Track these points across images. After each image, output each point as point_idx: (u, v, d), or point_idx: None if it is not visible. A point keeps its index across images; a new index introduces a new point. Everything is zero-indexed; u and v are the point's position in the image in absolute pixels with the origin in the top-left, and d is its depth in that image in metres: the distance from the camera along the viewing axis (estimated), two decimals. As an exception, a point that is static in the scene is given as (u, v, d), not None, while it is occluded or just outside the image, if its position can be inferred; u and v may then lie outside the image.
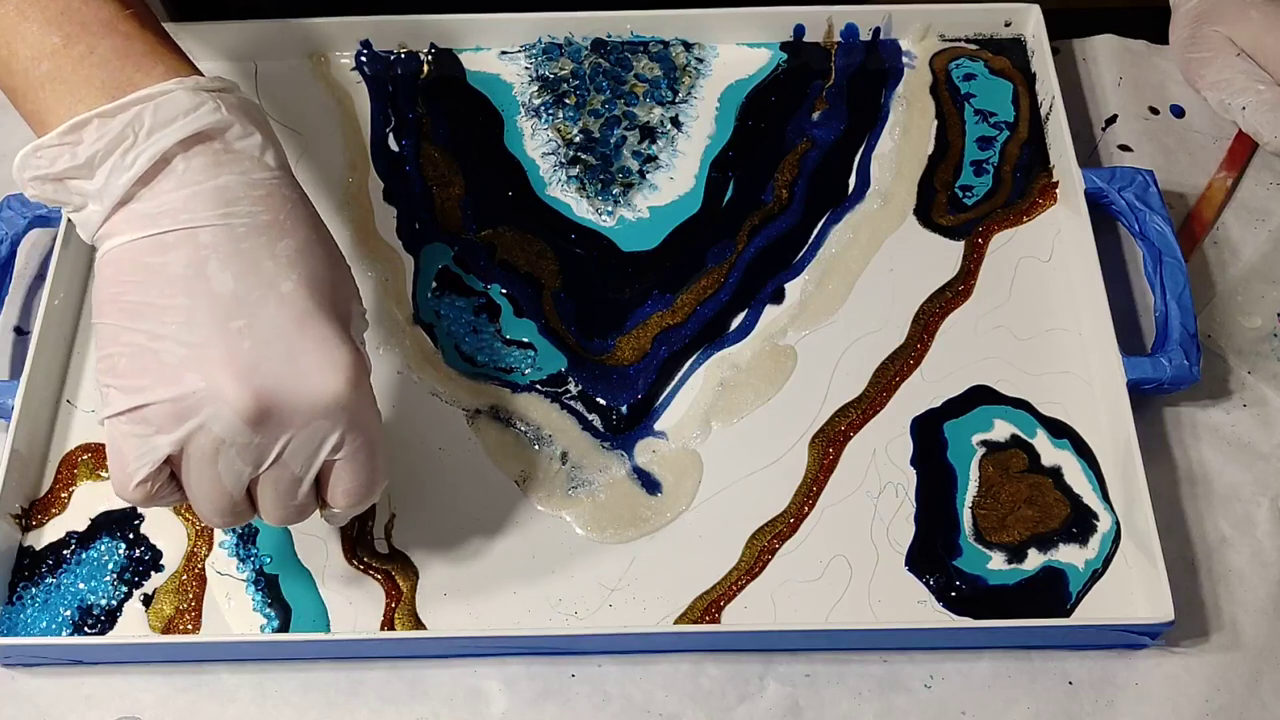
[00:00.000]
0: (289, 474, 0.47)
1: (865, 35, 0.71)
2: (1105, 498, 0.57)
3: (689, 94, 0.69)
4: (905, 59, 0.70)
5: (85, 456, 0.59)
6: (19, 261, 0.63)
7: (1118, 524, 0.56)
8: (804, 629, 0.54)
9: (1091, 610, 0.55)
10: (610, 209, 0.66)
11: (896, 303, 0.63)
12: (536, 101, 0.69)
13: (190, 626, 0.55)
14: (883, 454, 0.58)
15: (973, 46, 0.71)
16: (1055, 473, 0.58)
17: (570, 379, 0.61)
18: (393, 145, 0.68)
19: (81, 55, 0.47)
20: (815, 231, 0.65)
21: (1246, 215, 0.66)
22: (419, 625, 0.55)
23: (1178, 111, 0.70)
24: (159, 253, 0.45)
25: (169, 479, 0.46)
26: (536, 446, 0.59)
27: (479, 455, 0.59)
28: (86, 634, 0.54)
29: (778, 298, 0.63)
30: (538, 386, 0.60)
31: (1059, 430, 0.59)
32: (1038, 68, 0.69)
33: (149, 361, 0.44)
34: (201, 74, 0.49)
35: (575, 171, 0.67)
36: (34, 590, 0.55)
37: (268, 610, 0.55)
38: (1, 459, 0.56)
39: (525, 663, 0.54)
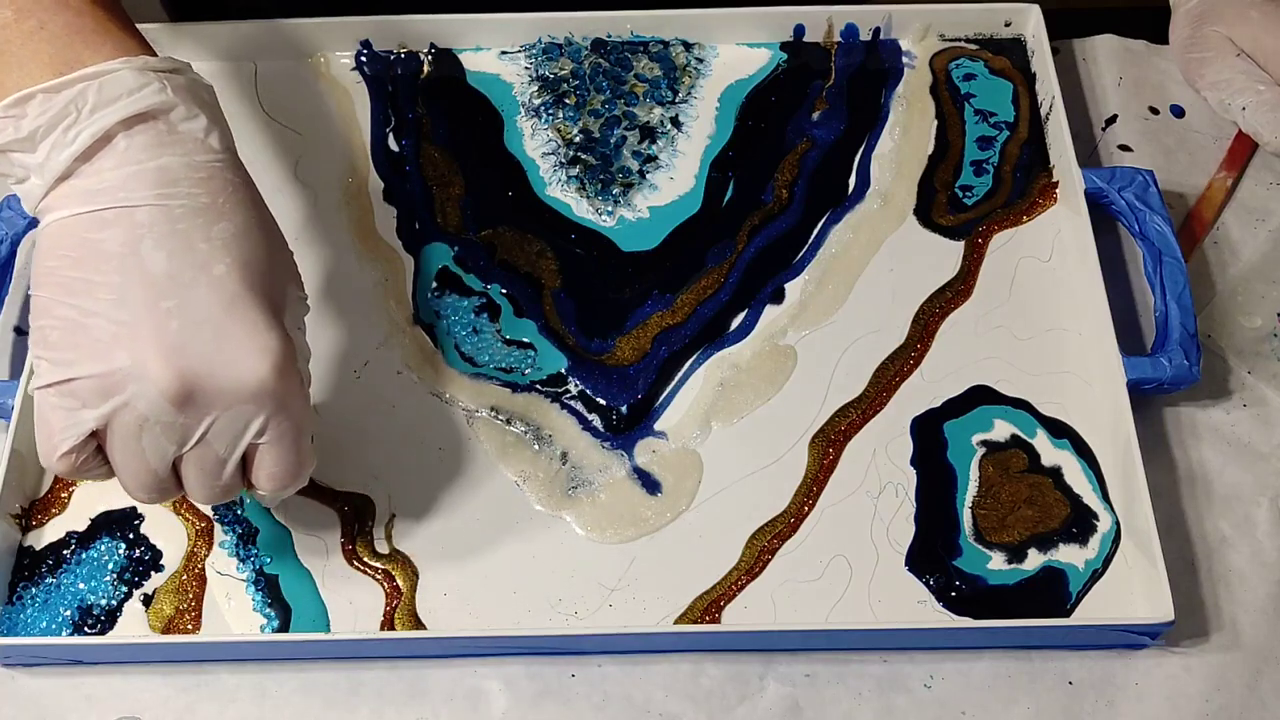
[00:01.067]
0: (213, 454, 0.47)
1: (865, 35, 0.71)
2: (1105, 498, 0.57)
3: (689, 94, 0.69)
4: (905, 59, 0.70)
5: (85, 456, 0.59)
6: (19, 261, 0.63)
7: (1118, 524, 0.56)
8: (804, 629, 0.54)
9: (1091, 610, 0.55)
10: (610, 209, 0.66)
11: (896, 303, 0.63)
12: (536, 101, 0.69)
13: (190, 626, 0.55)
14: (883, 454, 0.58)
15: (973, 46, 0.71)
16: (1055, 473, 0.58)
17: (570, 379, 0.61)
18: (393, 145, 0.68)
19: (31, 30, 0.47)
20: (815, 231, 0.65)
21: (1246, 215, 0.66)
22: (419, 625, 0.55)
23: (1178, 111, 0.70)
24: (96, 229, 0.46)
25: (95, 452, 0.47)
26: (536, 446, 0.59)
27: (479, 455, 0.59)
28: (86, 634, 0.54)
29: (778, 298, 0.63)
30: (538, 386, 0.60)
31: (1059, 430, 0.59)
32: (1038, 68, 0.69)
33: (80, 336, 0.45)
34: (154, 54, 0.49)
35: (575, 171, 0.67)
36: (34, 590, 0.55)
37: (268, 610, 0.55)
38: (1, 459, 0.56)
39: (525, 663, 0.54)
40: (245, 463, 0.49)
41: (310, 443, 0.50)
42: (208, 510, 0.57)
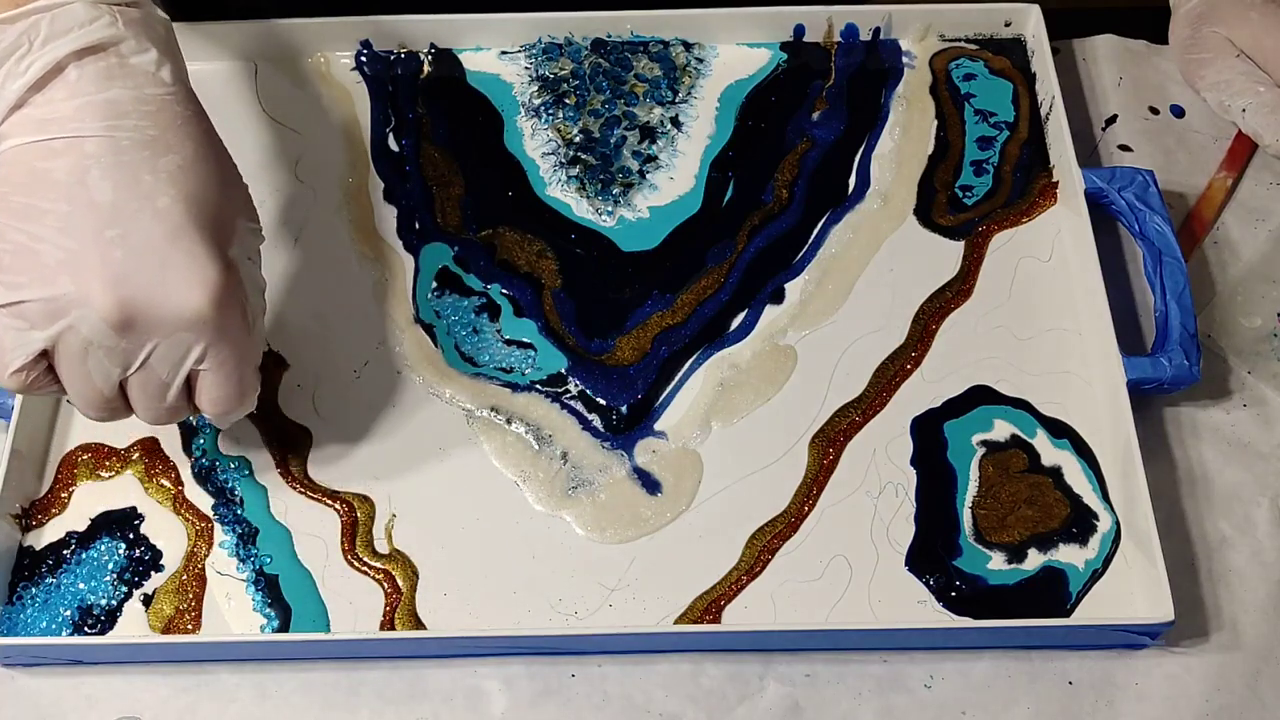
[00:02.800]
0: (156, 378, 0.49)
1: (865, 35, 0.71)
2: (1105, 498, 0.57)
3: (689, 94, 0.69)
4: (905, 59, 0.70)
5: (85, 456, 0.59)
6: (19, 261, 0.63)
7: (1118, 524, 0.56)
8: (804, 629, 0.54)
9: (1091, 610, 0.55)
10: (610, 209, 0.66)
11: (896, 303, 0.63)
12: (536, 101, 0.69)
13: (190, 626, 0.55)
14: (883, 454, 0.58)
15: (973, 46, 0.71)
16: (1055, 473, 0.58)
17: (570, 379, 0.61)
18: (393, 145, 0.68)
19: None
20: (815, 231, 0.65)
21: (1246, 215, 0.66)
22: (419, 625, 0.55)
23: (1178, 111, 0.70)
24: (46, 158, 0.47)
25: (46, 371, 0.49)
26: (536, 446, 0.59)
27: (479, 455, 0.59)
28: (86, 634, 0.54)
29: (778, 298, 0.63)
30: (538, 386, 0.60)
31: (1059, 430, 0.59)
32: (1038, 68, 0.69)
33: (29, 260, 0.47)
34: None
35: (575, 171, 0.67)
36: (34, 590, 0.55)
37: (268, 610, 0.55)
38: (1, 459, 0.56)
39: (525, 663, 0.54)
40: (190, 388, 0.51)
41: (254, 371, 0.52)
42: (208, 510, 0.57)
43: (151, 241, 0.47)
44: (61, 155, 0.47)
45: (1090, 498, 0.57)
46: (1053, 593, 0.55)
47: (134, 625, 0.55)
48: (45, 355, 0.48)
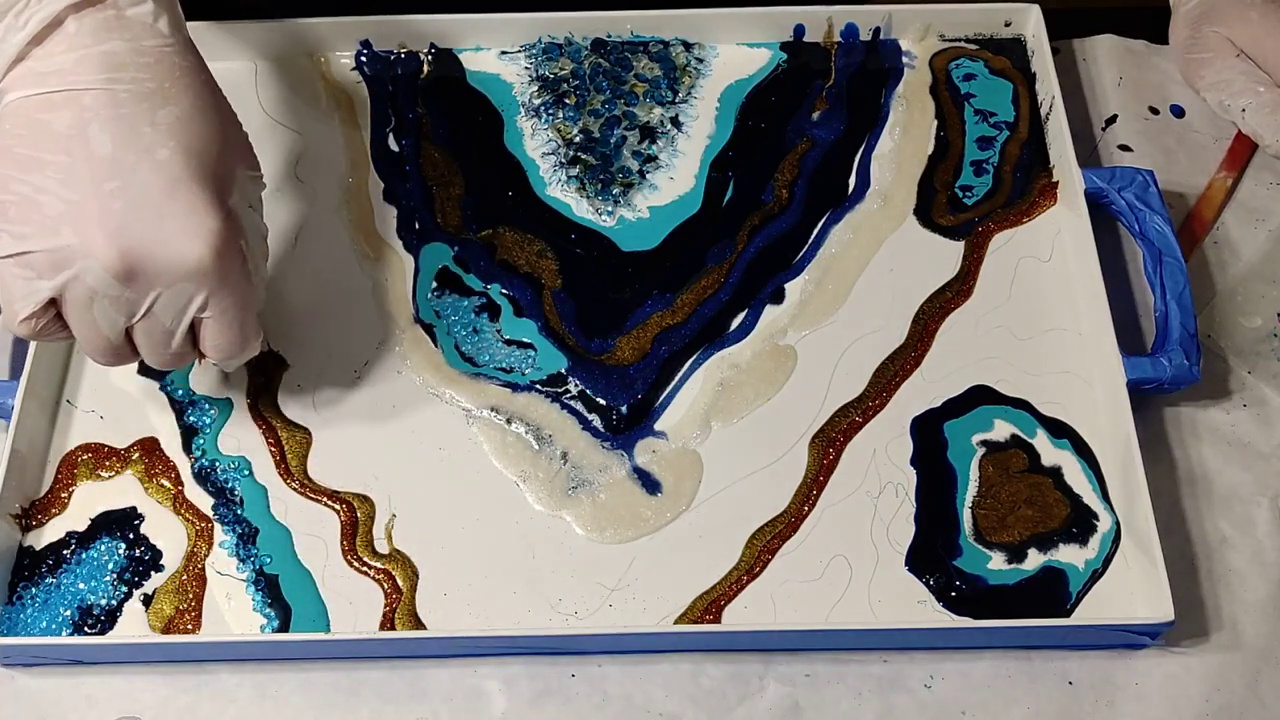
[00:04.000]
0: (160, 326, 0.51)
1: (865, 35, 0.71)
2: (1105, 498, 0.57)
3: (689, 94, 0.69)
4: (905, 59, 0.70)
5: (85, 456, 0.59)
6: (19, 261, 0.63)
7: (1118, 524, 0.56)
8: (804, 629, 0.54)
9: (1091, 610, 0.55)
10: (610, 209, 0.66)
11: (896, 303, 0.63)
12: (536, 101, 0.69)
13: (190, 626, 0.55)
14: (883, 454, 0.58)
15: (973, 46, 0.71)
16: (1055, 473, 0.58)
17: (570, 379, 0.61)
18: (393, 145, 0.68)
19: None
20: (815, 231, 0.65)
21: (1246, 215, 0.66)
22: (419, 625, 0.55)
23: (1178, 111, 0.70)
24: (46, 110, 0.48)
25: (55, 319, 0.50)
26: (536, 446, 0.59)
27: (479, 455, 0.59)
28: (86, 634, 0.54)
29: (778, 298, 0.63)
30: (538, 386, 0.60)
31: (1059, 430, 0.59)
32: (1038, 68, 0.69)
33: (33, 211, 0.48)
34: None
35: (575, 171, 0.67)
36: (34, 590, 0.55)
37: (268, 610, 0.55)
38: (1, 459, 0.56)
39: (525, 663, 0.54)
40: (194, 334, 0.52)
41: (254, 318, 0.53)
42: (208, 510, 0.57)
43: (151, 193, 0.48)
44: (61, 108, 0.48)
45: (1090, 498, 0.57)
46: (1053, 593, 0.55)
47: (134, 625, 0.55)
48: (53, 304, 0.49)
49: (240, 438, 0.59)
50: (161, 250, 0.48)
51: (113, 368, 0.53)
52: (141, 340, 0.52)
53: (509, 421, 0.59)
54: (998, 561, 0.56)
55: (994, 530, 0.56)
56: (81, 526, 0.57)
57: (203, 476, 0.58)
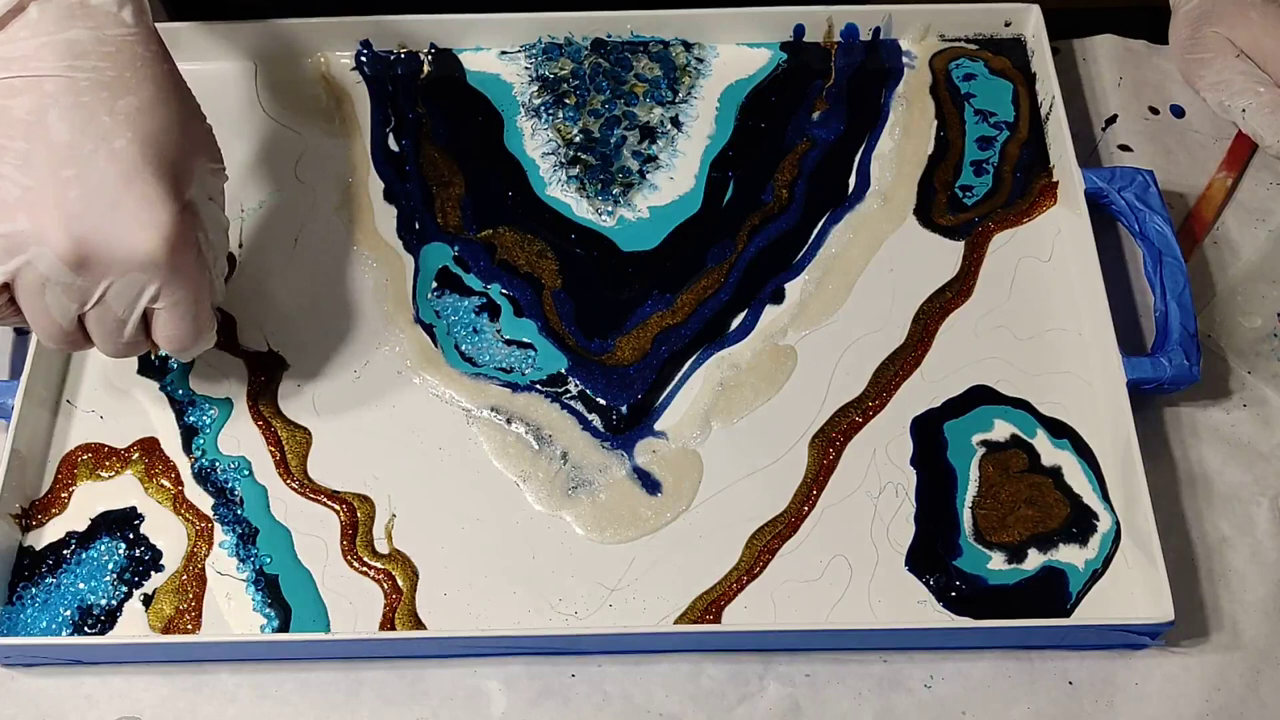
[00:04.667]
0: (112, 315, 0.51)
1: (865, 35, 0.71)
2: (1105, 498, 0.57)
3: (689, 94, 0.69)
4: (905, 59, 0.70)
5: (85, 456, 0.59)
6: (19, 261, 0.63)
7: (1118, 524, 0.56)
8: (804, 629, 0.54)
9: (1091, 610, 0.55)
10: (610, 209, 0.66)
11: (896, 303, 0.63)
12: (536, 101, 0.69)
13: (190, 626, 0.55)
14: (883, 454, 0.58)
15: (973, 46, 0.71)
16: (1055, 473, 0.58)
17: (570, 379, 0.61)
18: (393, 145, 0.68)
19: None
20: (815, 231, 0.65)
21: (1246, 215, 0.66)
22: (419, 625, 0.55)
23: (1178, 111, 0.70)
24: (8, 95, 0.48)
25: (9, 302, 0.51)
26: (536, 446, 0.59)
27: (479, 455, 0.59)
28: (86, 634, 0.54)
29: (778, 298, 0.63)
30: (538, 386, 0.60)
31: (1059, 430, 0.59)
32: (1038, 68, 0.69)
33: None
34: None
35: (575, 171, 0.67)
36: (34, 590, 0.55)
37: (268, 610, 0.55)
38: (1, 459, 0.56)
39: (525, 663, 0.54)
40: (148, 324, 0.52)
41: (208, 310, 0.53)
42: (208, 510, 0.57)
43: (106, 182, 0.48)
44: (22, 93, 0.48)
45: (1090, 498, 0.57)
46: (1053, 593, 0.55)
47: (134, 625, 0.55)
48: (7, 288, 0.50)
49: (240, 438, 0.59)
50: (114, 240, 0.48)
51: (66, 353, 0.53)
52: (94, 328, 0.52)
53: (509, 421, 0.59)
54: (998, 561, 0.56)
55: (994, 530, 0.56)
56: (81, 526, 0.57)
57: (203, 476, 0.58)
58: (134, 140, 0.49)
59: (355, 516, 0.57)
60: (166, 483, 0.58)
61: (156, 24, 0.53)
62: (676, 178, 0.67)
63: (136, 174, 0.49)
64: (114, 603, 0.55)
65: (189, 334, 0.53)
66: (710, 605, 0.55)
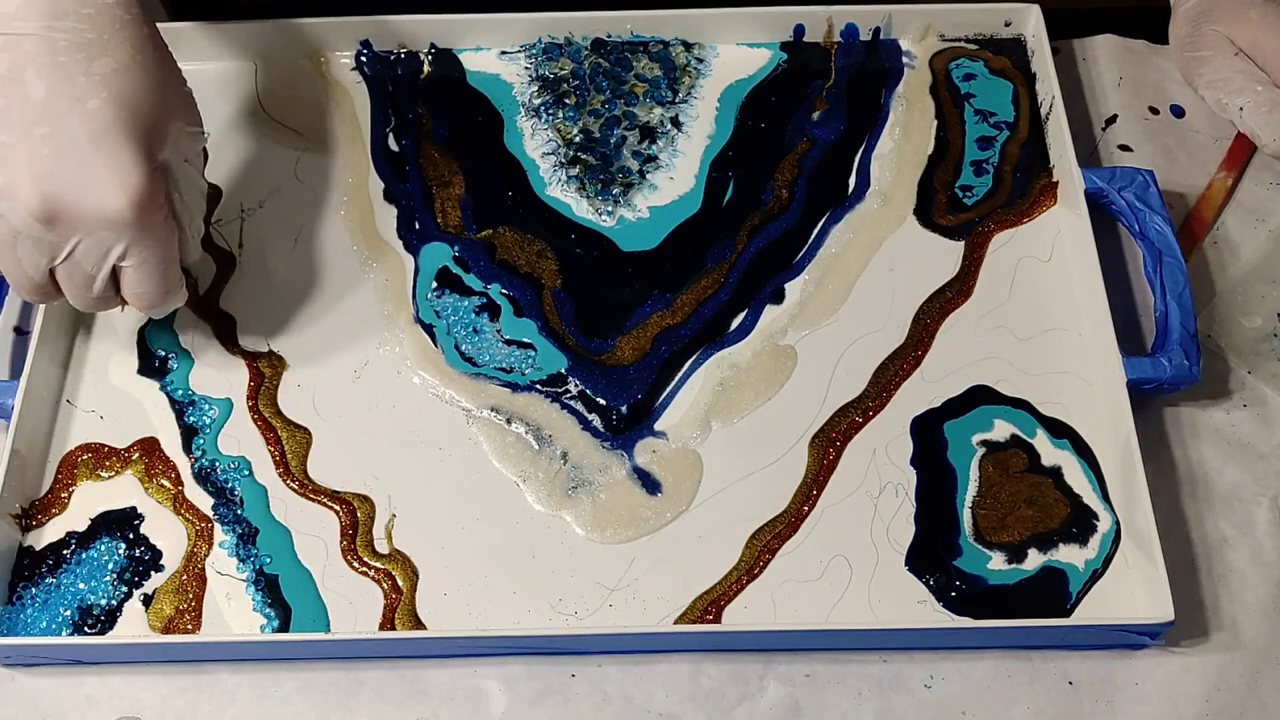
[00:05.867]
0: (81, 270, 0.52)
1: (865, 35, 0.71)
2: (1105, 498, 0.57)
3: (689, 94, 0.69)
4: (905, 59, 0.70)
5: (85, 456, 0.59)
6: (19, 261, 0.63)
7: (1118, 524, 0.56)
8: (804, 629, 0.54)
9: (1091, 610, 0.55)
10: (610, 209, 0.66)
11: (896, 303, 0.63)
12: (536, 101, 0.69)
13: (190, 626, 0.55)
14: (883, 454, 0.58)
15: (973, 46, 0.71)
16: (1055, 473, 0.58)
17: (570, 379, 0.61)
18: (393, 145, 0.68)
19: None
20: (815, 231, 0.65)
21: (1246, 215, 0.66)
22: (419, 625, 0.55)
23: (1178, 111, 0.70)
24: None
25: None
26: (536, 446, 0.59)
27: (479, 455, 0.59)
28: (86, 634, 0.54)
29: (778, 298, 0.63)
30: (538, 386, 0.60)
31: (1059, 430, 0.59)
32: (1038, 68, 0.69)
33: None
34: None
35: (575, 171, 0.67)
36: (34, 590, 0.55)
37: (268, 610, 0.55)
38: (1, 459, 0.56)
39: (525, 663, 0.54)
40: (117, 281, 0.54)
41: (177, 270, 0.55)
42: (208, 510, 0.57)
43: (78, 142, 0.49)
44: (2, 51, 0.49)
45: (1090, 498, 0.57)
46: (1053, 593, 0.55)
47: (134, 625, 0.55)
48: None
49: (240, 438, 0.59)
50: (83, 198, 0.50)
51: (40, 304, 0.55)
52: (64, 282, 0.53)
53: (509, 421, 0.59)
54: (998, 561, 0.56)
55: (994, 530, 0.56)
56: (81, 526, 0.57)
57: (203, 476, 0.58)
58: (108, 102, 0.50)
59: (355, 516, 0.57)
60: (166, 483, 0.58)
61: (156, 24, 0.53)
62: (676, 178, 0.67)
63: (108, 135, 0.50)
64: (114, 603, 0.55)
65: (156, 293, 0.54)
66: (710, 605, 0.55)
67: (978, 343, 0.61)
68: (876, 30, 0.71)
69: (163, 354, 0.61)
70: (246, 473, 0.58)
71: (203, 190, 0.56)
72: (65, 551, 0.56)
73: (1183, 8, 0.69)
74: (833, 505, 0.57)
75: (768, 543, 0.56)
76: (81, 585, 0.55)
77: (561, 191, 0.66)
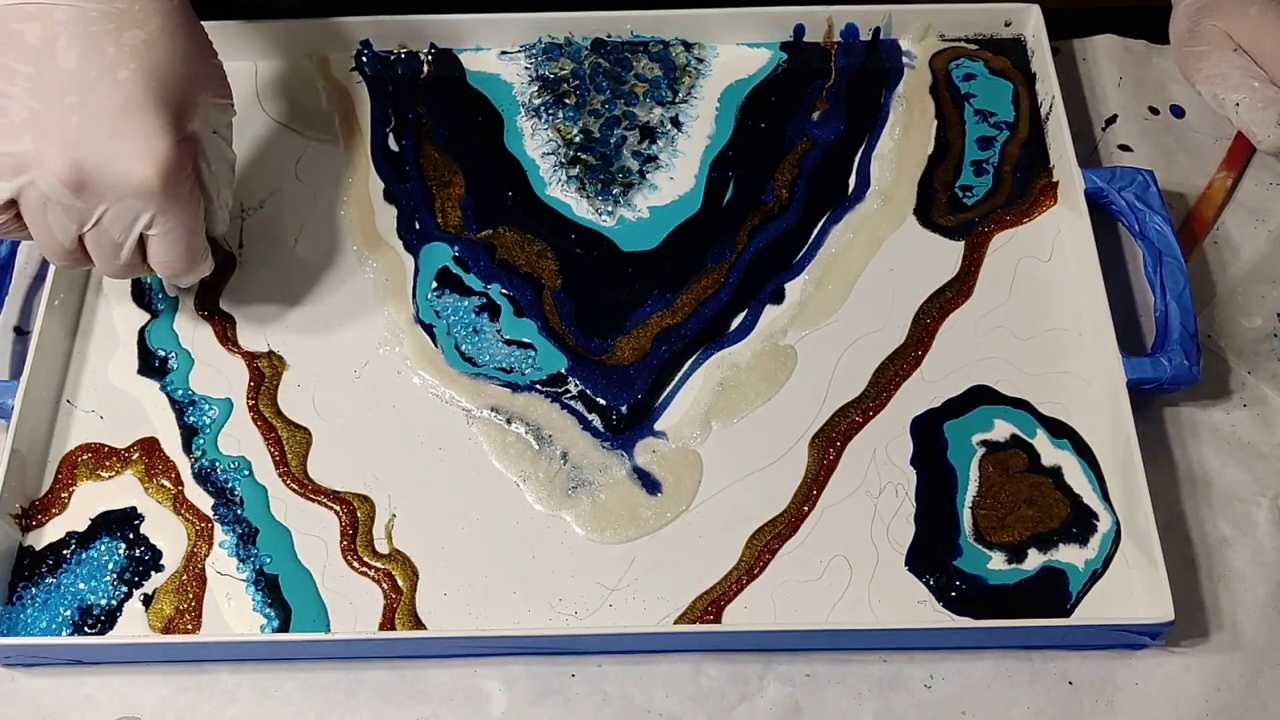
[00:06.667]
0: (109, 237, 0.53)
1: (865, 35, 0.71)
2: (1105, 498, 0.57)
3: (689, 94, 0.69)
4: (905, 59, 0.70)
5: (85, 456, 0.59)
6: (19, 261, 0.63)
7: (1118, 524, 0.56)
8: (804, 629, 0.54)
9: (1091, 610, 0.55)
10: (610, 209, 0.66)
11: (896, 303, 0.63)
12: (536, 101, 0.69)
13: (190, 626, 0.55)
14: (883, 454, 0.58)
15: (973, 46, 0.71)
16: (1055, 473, 0.58)
17: (570, 379, 0.61)
18: (393, 145, 0.68)
19: None
20: (815, 231, 0.65)
21: (1246, 215, 0.66)
22: (419, 625, 0.55)
23: (1178, 111, 0.70)
24: (21, 21, 0.50)
25: (15, 218, 0.53)
26: (536, 446, 0.59)
27: (479, 455, 0.59)
28: (86, 634, 0.54)
29: (778, 298, 0.63)
30: (538, 386, 0.60)
31: (1059, 430, 0.59)
32: (1038, 68, 0.69)
33: (0, 117, 0.50)
34: None
35: (575, 171, 0.67)
36: (34, 590, 0.55)
37: (268, 610, 0.55)
38: (1, 459, 0.56)
39: (525, 663, 0.54)
40: (144, 249, 0.55)
41: (202, 240, 0.56)
42: (208, 510, 0.57)
43: (107, 111, 0.50)
44: (34, 20, 0.50)
45: (1090, 498, 0.57)
46: (1053, 593, 0.55)
47: (134, 625, 0.55)
48: (14, 204, 0.52)
49: (240, 438, 0.59)
50: (110, 167, 0.50)
51: (70, 269, 0.56)
52: (92, 249, 0.54)
53: (509, 421, 0.59)
54: (998, 561, 0.56)
55: (994, 530, 0.56)
56: (81, 526, 0.57)
57: (203, 476, 0.58)
58: (137, 72, 0.50)
59: (355, 516, 0.57)
60: (166, 483, 0.58)
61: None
62: (676, 178, 0.67)
63: (136, 105, 0.50)
64: (114, 603, 0.55)
65: (182, 261, 0.55)
66: (710, 605, 0.55)
67: (978, 343, 0.61)
68: (876, 30, 0.71)
69: (163, 354, 0.61)
70: (246, 473, 0.58)
71: (231, 161, 0.57)
72: (65, 551, 0.56)
73: (1183, 3, 0.69)
74: (833, 505, 0.57)
75: (768, 543, 0.56)
76: (81, 585, 0.55)
77: (561, 191, 0.66)
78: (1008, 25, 0.71)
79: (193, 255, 0.55)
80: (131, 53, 0.51)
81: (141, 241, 0.54)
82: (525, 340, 0.62)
